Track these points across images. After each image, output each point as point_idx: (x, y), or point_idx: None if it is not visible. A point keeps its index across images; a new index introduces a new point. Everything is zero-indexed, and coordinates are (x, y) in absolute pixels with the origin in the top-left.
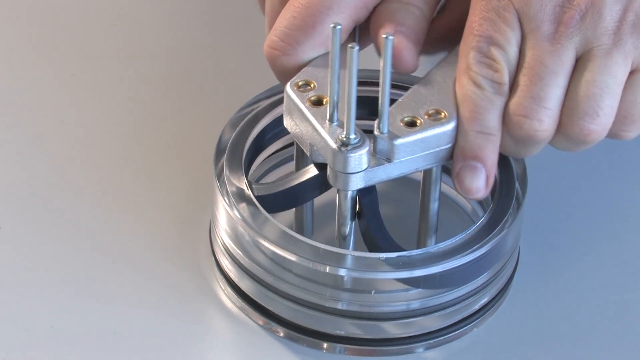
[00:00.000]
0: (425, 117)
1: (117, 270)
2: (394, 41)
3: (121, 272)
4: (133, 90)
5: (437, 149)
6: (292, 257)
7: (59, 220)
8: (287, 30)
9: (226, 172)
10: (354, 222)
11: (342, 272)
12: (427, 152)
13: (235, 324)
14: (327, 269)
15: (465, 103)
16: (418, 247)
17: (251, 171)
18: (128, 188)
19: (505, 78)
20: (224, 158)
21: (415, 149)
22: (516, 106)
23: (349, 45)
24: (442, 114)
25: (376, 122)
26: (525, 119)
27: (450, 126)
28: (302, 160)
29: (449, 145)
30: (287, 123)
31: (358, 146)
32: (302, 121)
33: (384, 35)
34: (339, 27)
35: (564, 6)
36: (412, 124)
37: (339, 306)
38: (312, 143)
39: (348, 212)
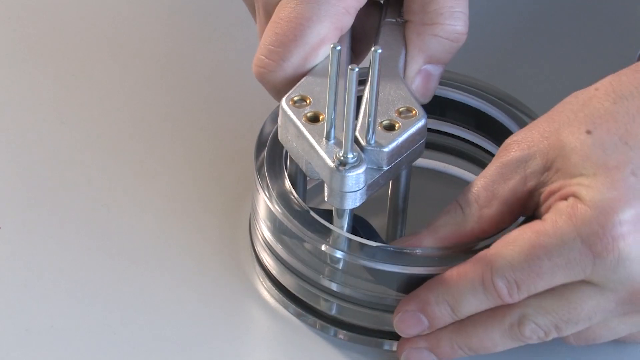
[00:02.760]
0: (397, 115)
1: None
2: (426, 76)
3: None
4: (145, 87)
5: (415, 146)
6: (332, 252)
7: (61, 220)
8: (270, 47)
9: (267, 166)
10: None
11: (380, 266)
12: (408, 151)
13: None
14: (366, 263)
15: (457, 284)
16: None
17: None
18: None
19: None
20: (265, 152)
21: (400, 151)
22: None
23: (349, 67)
24: (413, 111)
25: (360, 133)
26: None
27: (422, 122)
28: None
29: (423, 140)
30: (282, 138)
31: (355, 165)
32: (298, 138)
33: (372, 49)
34: (338, 47)
35: None
36: (390, 127)
37: (378, 300)
38: (308, 160)
39: (344, 228)
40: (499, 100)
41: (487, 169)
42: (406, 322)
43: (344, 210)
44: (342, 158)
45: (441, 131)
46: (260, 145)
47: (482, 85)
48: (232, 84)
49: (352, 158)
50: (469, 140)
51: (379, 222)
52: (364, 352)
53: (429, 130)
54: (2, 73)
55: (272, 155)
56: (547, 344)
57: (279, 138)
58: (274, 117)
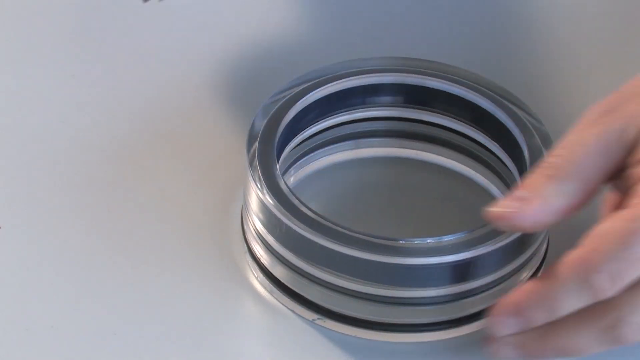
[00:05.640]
0: None
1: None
2: None
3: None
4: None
5: None
6: (324, 243)
7: (60, 220)
8: None
9: (258, 158)
10: None
11: (370, 257)
12: None
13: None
14: (359, 254)
15: (555, 287)
16: None
17: (283, 157)
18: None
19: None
20: (256, 144)
21: None
22: None
23: None
24: None
25: None
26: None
27: None
28: None
29: None
30: None
31: None
32: None
33: None
34: None
35: None
36: None
37: (371, 291)
38: None
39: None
40: (497, 95)
41: (582, 136)
42: (501, 324)
43: None
44: None
45: (438, 125)
46: (251, 138)
47: (479, 80)
48: (224, 79)
49: None
50: (466, 135)
51: (372, 212)
52: (356, 343)
53: (422, 122)
54: (2, 73)
55: (263, 148)
56: None
57: None
58: (265, 109)
